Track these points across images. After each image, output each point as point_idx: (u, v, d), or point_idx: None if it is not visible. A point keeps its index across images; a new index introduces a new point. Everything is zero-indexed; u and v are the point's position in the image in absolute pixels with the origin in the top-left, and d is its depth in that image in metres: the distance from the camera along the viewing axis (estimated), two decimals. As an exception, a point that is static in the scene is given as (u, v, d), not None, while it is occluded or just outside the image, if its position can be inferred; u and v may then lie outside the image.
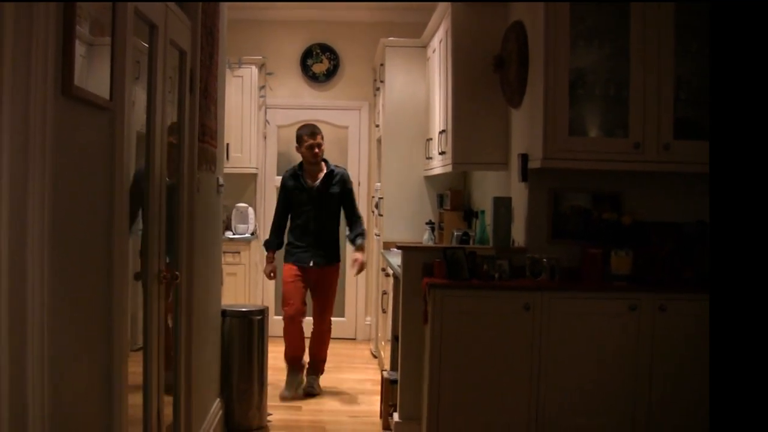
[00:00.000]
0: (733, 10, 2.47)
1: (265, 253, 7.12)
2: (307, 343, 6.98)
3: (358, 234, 7.04)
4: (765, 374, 2.26)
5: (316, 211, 6.87)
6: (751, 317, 2.31)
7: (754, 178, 2.35)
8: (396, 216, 7.91)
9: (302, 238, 6.89)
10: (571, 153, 4.89)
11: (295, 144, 7.03)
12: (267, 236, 7.20)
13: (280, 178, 9.21)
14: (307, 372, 6.97)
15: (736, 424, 2.30)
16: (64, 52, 2.35)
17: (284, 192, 7.02)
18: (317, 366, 7.03)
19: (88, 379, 2.77)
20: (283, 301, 6.90)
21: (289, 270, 6.89)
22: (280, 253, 7.07)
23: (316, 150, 6.85)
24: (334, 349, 8.31)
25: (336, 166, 7.06)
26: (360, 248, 7.04)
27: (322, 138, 6.93)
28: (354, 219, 7.08)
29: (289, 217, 7.00)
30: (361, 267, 7.10)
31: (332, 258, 6.98)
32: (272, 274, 7.09)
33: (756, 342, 2.29)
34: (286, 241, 7.04)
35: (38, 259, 2.20)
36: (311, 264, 6.85)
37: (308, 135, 6.87)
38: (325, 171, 6.91)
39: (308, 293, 6.96)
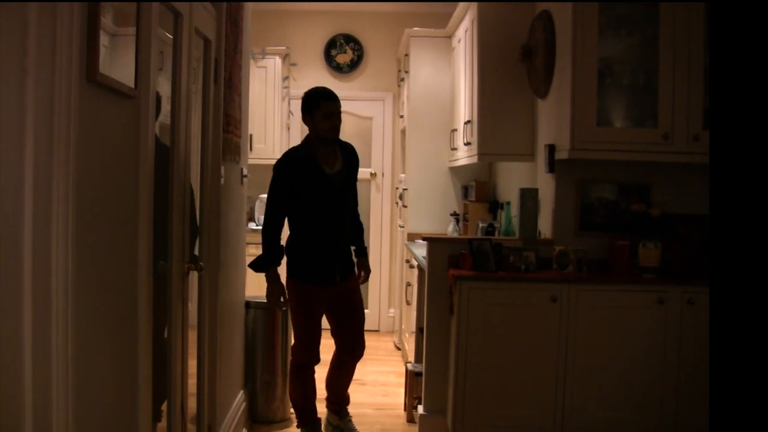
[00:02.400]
0: (733, 5, 2.43)
1: (258, 272, 5.17)
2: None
3: (361, 230, 5.42)
4: (765, 371, 2.22)
5: (339, 205, 5.06)
6: (752, 313, 2.27)
7: (753, 173, 2.31)
8: (420, 207, 7.86)
9: (323, 244, 5.03)
10: (599, 144, 4.84)
11: (302, 115, 5.11)
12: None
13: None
14: (337, 414, 5.44)
15: (736, 422, 2.27)
16: (88, 38, 2.32)
17: (287, 182, 5.04)
18: (343, 402, 5.47)
19: (112, 371, 2.75)
20: (303, 339, 5.13)
21: (303, 292, 5.09)
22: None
23: (336, 121, 5.00)
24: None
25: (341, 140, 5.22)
26: (365, 254, 5.46)
27: (341, 106, 5.07)
28: (356, 207, 5.36)
29: (291, 216, 5.15)
30: (368, 275, 5.49)
31: (353, 265, 5.30)
32: (284, 299, 5.12)
33: (756, 338, 2.25)
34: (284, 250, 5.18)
35: (63, 250, 2.18)
36: (338, 279, 5.10)
37: (327, 98, 4.98)
38: (340, 151, 5.13)
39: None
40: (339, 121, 5.01)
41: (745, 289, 2.29)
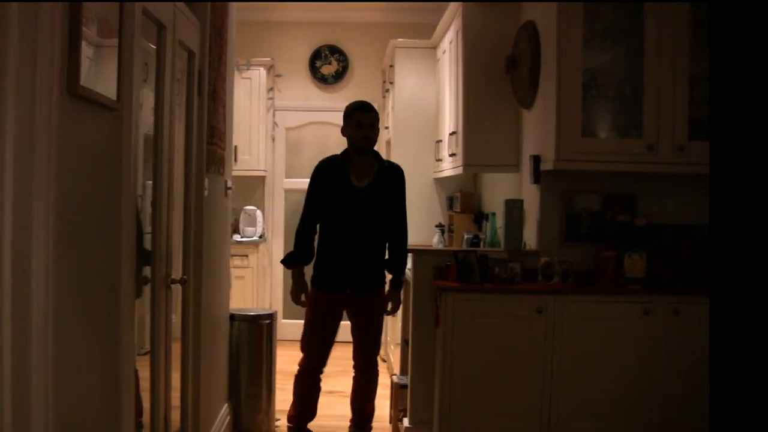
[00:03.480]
0: (733, 9, 2.42)
1: (286, 268, 5.42)
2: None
3: (401, 258, 5.27)
4: (765, 376, 2.22)
5: (362, 219, 5.09)
6: (752, 320, 2.26)
7: (754, 180, 2.31)
8: (405, 218, 7.84)
9: (339, 254, 5.13)
10: (584, 154, 4.85)
11: (341, 126, 5.20)
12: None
13: (288, 180, 9.25)
14: None
15: (736, 425, 2.26)
16: (70, 50, 2.30)
17: (318, 189, 5.16)
18: (363, 423, 5.50)
19: (94, 385, 2.72)
20: (308, 342, 5.29)
21: (319, 298, 5.22)
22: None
23: (368, 130, 5.04)
24: (342, 353, 8.23)
25: (387, 160, 5.37)
26: (399, 282, 5.30)
27: (378, 119, 5.14)
28: (400, 233, 5.26)
29: (320, 222, 5.24)
30: (397, 307, 5.37)
31: (377, 281, 5.26)
32: (304, 298, 5.29)
33: (757, 344, 2.25)
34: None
35: (43, 263, 2.15)
36: (349, 291, 5.14)
37: (360, 109, 5.09)
38: (377, 167, 5.14)
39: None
40: (372, 131, 5.05)
41: (746, 297, 2.28)
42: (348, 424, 5.57)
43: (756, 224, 2.29)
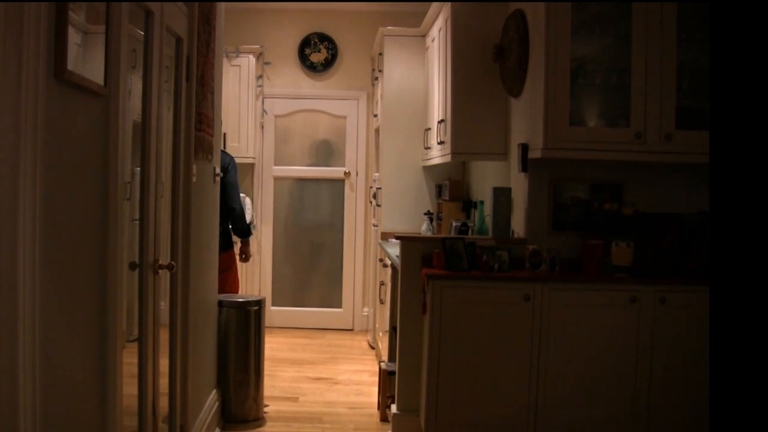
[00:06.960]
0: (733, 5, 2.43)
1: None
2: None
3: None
4: (766, 367, 2.23)
5: None
6: (752, 309, 2.28)
7: (754, 169, 2.32)
8: (394, 206, 7.86)
9: None
10: (572, 143, 4.85)
11: None
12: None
13: (277, 168, 9.28)
14: None
15: (736, 417, 2.28)
16: (56, 34, 2.30)
17: None
18: None
19: (82, 371, 2.73)
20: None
21: None
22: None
23: None
24: (331, 340, 8.25)
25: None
26: None
27: None
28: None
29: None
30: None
31: None
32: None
33: (756, 334, 2.26)
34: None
35: (30, 249, 2.15)
36: None
37: None
38: None
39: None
40: None
41: (747, 288, 2.29)
42: (339, 410, 5.58)
43: (756, 214, 2.30)
